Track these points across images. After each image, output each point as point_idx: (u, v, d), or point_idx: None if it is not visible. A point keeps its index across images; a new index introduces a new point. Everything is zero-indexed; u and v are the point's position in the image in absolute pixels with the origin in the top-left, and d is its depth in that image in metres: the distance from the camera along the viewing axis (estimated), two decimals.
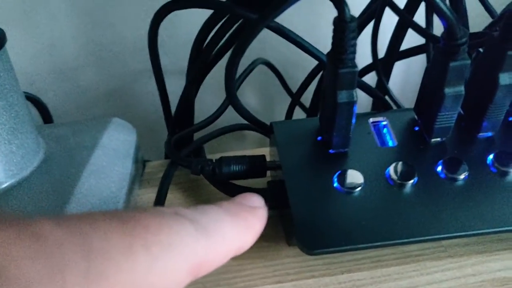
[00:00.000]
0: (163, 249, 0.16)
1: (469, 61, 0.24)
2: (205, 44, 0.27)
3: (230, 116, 0.31)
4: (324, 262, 0.25)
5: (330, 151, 0.26)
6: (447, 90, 0.24)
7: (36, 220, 0.14)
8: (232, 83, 0.25)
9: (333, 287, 0.24)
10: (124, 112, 0.37)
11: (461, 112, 0.28)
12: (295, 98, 0.44)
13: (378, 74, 0.38)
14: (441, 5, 0.21)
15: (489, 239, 0.26)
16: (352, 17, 0.21)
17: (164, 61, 0.31)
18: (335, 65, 0.23)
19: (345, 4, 0.21)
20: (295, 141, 0.27)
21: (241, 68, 0.38)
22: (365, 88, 0.30)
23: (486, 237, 0.26)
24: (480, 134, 0.27)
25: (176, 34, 0.40)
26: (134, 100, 0.46)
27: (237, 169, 0.27)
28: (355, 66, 0.23)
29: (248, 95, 0.50)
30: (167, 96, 0.32)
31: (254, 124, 0.29)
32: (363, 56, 0.38)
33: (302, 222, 0.24)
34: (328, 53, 0.23)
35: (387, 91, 0.38)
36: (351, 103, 0.24)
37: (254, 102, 0.51)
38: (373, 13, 0.34)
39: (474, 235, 0.23)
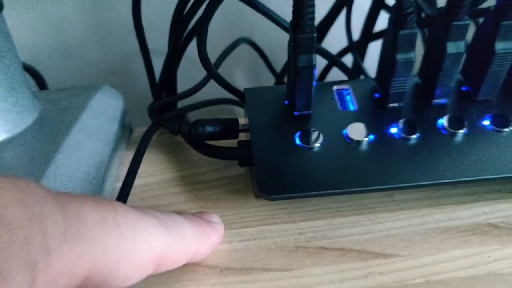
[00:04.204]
0: (131, 230, 0.18)
1: (417, 30, 0.26)
2: (184, 13, 0.30)
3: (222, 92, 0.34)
4: (286, 212, 0.28)
5: (295, 113, 0.29)
6: (399, 57, 0.27)
7: (23, 179, 0.16)
8: (203, 47, 0.28)
9: (293, 232, 0.27)
10: (121, 86, 0.40)
11: (419, 81, 0.31)
12: (279, 78, 0.47)
13: (353, 55, 0.41)
14: None
15: (436, 194, 0.28)
16: None
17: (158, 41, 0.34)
18: (294, 31, 0.25)
19: None
20: (264, 105, 0.30)
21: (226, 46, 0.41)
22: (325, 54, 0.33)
23: (434, 192, 0.29)
24: (434, 100, 0.30)
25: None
26: (131, 76, 0.49)
27: (211, 130, 0.30)
28: (313, 32, 0.25)
29: (237, 74, 0.53)
30: (151, 66, 0.35)
31: (230, 91, 0.32)
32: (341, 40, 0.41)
33: (264, 173, 0.26)
34: (290, 21, 0.26)
35: (362, 71, 0.41)
36: (310, 66, 0.26)
37: (241, 82, 0.54)
38: None
39: (418, 186, 0.26)
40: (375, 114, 0.29)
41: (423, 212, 0.28)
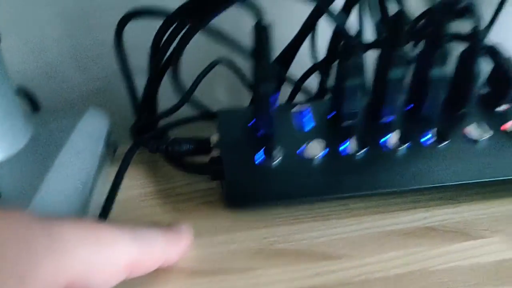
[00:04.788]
0: (105, 244, 0.22)
1: (361, 59, 0.30)
2: (162, 43, 0.34)
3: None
4: (252, 220, 0.32)
5: (258, 133, 0.33)
6: (347, 84, 0.31)
7: (13, 209, 0.20)
8: (176, 76, 0.32)
9: (257, 237, 0.30)
10: (106, 105, 0.43)
11: (370, 101, 0.35)
12: None
13: (320, 74, 0.45)
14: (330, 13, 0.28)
15: (385, 202, 0.32)
16: (267, 25, 0.28)
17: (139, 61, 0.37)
18: (255, 59, 0.29)
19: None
20: (234, 126, 0.34)
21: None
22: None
23: (383, 200, 0.32)
24: (383, 119, 0.34)
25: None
26: (115, 96, 0.52)
27: (185, 148, 0.34)
28: (271, 60, 0.29)
29: (218, 91, 0.56)
30: (133, 88, 0.39)
31: (204, 113, 0.36)
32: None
33: (232, 186, 0.30)
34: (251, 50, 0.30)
35: (326, 89, 0.45)
36: (268, 93, 0.30)
37: (224, 97, 0.57)
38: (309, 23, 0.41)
39: (366, 195, 0.30)
40: (330, 132, 0.33)
41: (372, 218, 0.31)
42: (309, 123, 0.34)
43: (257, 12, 0.28)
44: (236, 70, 0.49)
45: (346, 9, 0.37)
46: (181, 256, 0.28)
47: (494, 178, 0.31)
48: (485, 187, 0.32)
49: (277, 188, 0.30)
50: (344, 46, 0.30)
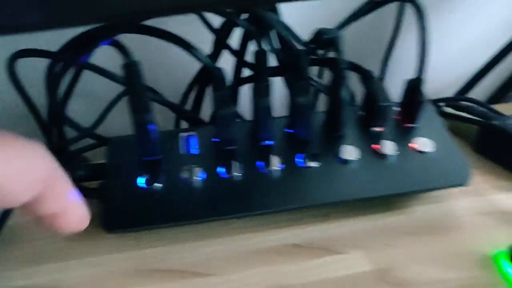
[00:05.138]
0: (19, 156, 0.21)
1: (228, 92, 0.33)
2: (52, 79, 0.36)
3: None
4: (130, 242, 0.34)
5: (143, 158, 0.35)
6: (221, 112, 0.33)
7: None
8: (62, 116, 0.34)
9: (137, 257, 0.33)
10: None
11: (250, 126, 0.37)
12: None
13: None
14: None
15: (262, 221, 0.35)
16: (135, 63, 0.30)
17: None
18: (130, 97, 0.32)
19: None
20: (122, 152, 0.36)
21: None
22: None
23: (260, 220, 0.35)
24: (262, 142, 0.36)
25: None
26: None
27: (81, 173, 0.36)
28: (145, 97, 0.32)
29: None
30: (40, 117, 0.41)
31: (96, 142, 0.38)
32: None
33: (111, 210, 0.32)
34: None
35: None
36: (145, 123, 0.33)
37: None
38: None
39: (240, 216, 0.33)
40: (213, 156, 0.35)
41: (246, 236, 0.34)
42: (194, 148, 0.36)
43: (125, 51, 0.31)
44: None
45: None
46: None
47: (362, 196, 0.33)
48: (355, 204, 0.35)
49: (157, 211, 0.33)
50: (213, 80, 0.32)
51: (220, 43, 0.38)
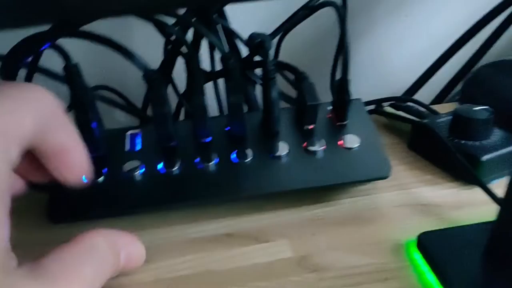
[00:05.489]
0: None
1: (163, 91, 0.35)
2: None
3: None
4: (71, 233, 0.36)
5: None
6: (154, 110, 0.36)
7: None
8: None
9: None
10: None
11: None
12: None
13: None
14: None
15: (198, 212, 0.37)
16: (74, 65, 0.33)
17: None
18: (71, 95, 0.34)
19: None
20: None
21: None
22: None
23: (194, 210, 0.37)
24: (201, 140, 0.38)
25: None
26: None
27: None
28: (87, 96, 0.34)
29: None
30: None
31: None
32: None
33: (53, 201, 0.35)
34: None
35: None
36: (86, 121, 0.35)
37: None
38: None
39: (175, 206, 0.35)
40: (153, 152, 0.38)
41: (182, 227, 0.36)
42: (138, 145, 0.39)
43: (64, 54, 0.33)
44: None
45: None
46: None
47: (289, 188, 0.36)
48: (287, 197, 0.37)
49: (99, 203, 0.35)
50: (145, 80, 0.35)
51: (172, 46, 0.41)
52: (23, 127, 0.24)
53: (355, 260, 0.32)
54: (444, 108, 0.47)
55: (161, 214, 0.37)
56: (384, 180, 0.37)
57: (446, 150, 0.38)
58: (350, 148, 0.37)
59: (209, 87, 0.43)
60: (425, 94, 0.57)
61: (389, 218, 0.36)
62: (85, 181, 0.29)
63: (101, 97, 0.44)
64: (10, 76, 0.38)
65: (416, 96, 0.56)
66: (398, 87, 0.59)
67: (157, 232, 0.36)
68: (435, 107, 0.48)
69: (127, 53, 0.35)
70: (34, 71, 0.40)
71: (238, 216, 0.37)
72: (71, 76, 0.33)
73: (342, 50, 0.37)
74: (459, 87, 0.56)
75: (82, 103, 0.34)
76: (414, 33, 0.62)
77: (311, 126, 0.39)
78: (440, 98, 0.57)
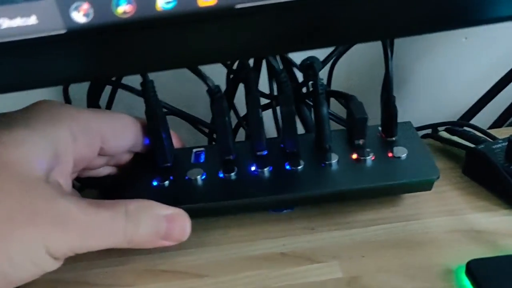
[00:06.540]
0: None
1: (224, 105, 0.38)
2: None
3: None
4: None
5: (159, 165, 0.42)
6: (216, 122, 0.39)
7: None
8: None
9: (151, 257, 0.39)
10: None
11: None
12: None
13: None
14: None
15: (254, 231, 0.40)
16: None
17: None
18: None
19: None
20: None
21: None
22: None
23: (252, 228, 0.40)
24: (258, 152, 0.41)
25: None
26: None
27: None
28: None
29: None
30: None
31: None
32: None
33: None
34: None
35: None
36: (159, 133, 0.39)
37: None
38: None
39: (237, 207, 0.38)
40: (216, 164, 0.41)
41: (241, 245, 0.39)
42: (202, 159, 0.43)
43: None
44: None
45: None
46: None
47: (338, 190, 0.38)
48: (337, 219, 0.39)
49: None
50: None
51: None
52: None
53: (403, 283, 0.33)
54: (503, 133, 0.47)
55: (220, 232, 0.40)
56: (437, 205, 0.39)
57: (500, 177, 0.39)
58: (398, 157, 0.39)
59: (267, 113, 0.46)
60: (484, 118, 0.57)
61: (440, 243, 0.37)
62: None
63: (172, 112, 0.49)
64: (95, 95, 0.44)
65: (475, 120, 0.56)
66: (456, 110, 0.59)
67: (218, 249, 0.39)
68: (494, 131, 0.48)
69: (197, 72, 0.38)
70: (117, 87, 0.45)
71: (291, 236, 0.39)
72: (146, 91, 0.38)
73: (388, 73, 0.38)
74: None
75: (155, 115, 0.38)
76: (473, 55, 0.62)
77: (361, 141, 0.41)
78: (499, 122, 0.56)
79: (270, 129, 0.50)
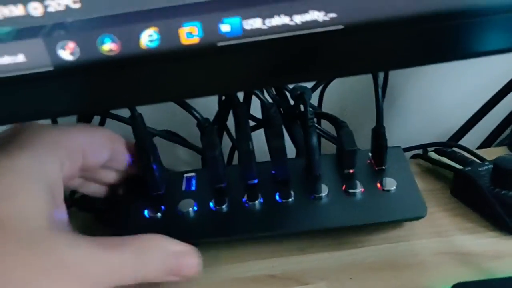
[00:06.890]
0: None
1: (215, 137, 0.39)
2: None
3: None
4: None
5: (151, 193, 0.42)
6: (207, 154, 0.40)
7: None
8: None
9: None
10: None
11: None
12: None
13: None
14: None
15: (244, 252, 0.40)
16: None
17: None
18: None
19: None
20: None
21: None
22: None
23: (242, 250, 0.40)
24: (249, 181, 0.42)
25: None
26: None
27: None
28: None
29: None
30: None
31: None
32: None
33: None
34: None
35: None
36: (150, 164, 0.40)
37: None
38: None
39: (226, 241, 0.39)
40: (207, 193, 0.42)
41: (229, 266, 0.39)
42: (194, 185, 0.43)
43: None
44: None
45: None
46: None
47: (329, 226, 0.39)
48: (327, 241, 0.40)
49: None
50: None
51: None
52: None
53: None
54: (492, 153, 0.48)
55: (211, 254, 0.40)
56: (424, 226, 0.39)
57: (486, 200, 0.39)
58: (387, 190, 0.40)
59: (260, 134, 0.46)
60: (474, 137, 0.57)
61: (427, 266, 0.37)
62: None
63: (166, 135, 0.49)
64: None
65: (465, 139, 0.56)
66: (447, 129, 0.60)
67: (206, 271, 0.39)
68: (482, 151, 0.49)
69: (185, 105, 0.39)
70: (106, 116, 0.45)
71: (281, 257, 0.39)
72: (135, 124, 0.38)
73: (376, 102, 0.39)
74: (508, 131, 0.56)
75: (145, 148, 0.39)
76: (463, 76, 0.63)
77: (351, 170, 0.41)
78: (489, 141, 0.57)
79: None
